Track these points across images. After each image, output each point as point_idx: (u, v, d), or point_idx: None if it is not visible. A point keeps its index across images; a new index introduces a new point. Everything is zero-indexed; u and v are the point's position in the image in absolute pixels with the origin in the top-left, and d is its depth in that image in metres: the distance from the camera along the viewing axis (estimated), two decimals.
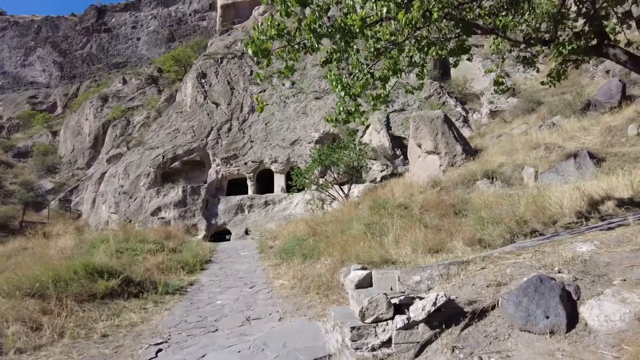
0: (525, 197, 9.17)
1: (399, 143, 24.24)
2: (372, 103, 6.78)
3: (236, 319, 6.50)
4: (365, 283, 6.26)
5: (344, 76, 6.54)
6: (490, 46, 7.27)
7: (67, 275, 6.80)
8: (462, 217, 9.79)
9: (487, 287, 4.00)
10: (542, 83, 7.44)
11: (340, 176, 20.50)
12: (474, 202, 10.22)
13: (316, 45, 5.60)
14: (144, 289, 7.85)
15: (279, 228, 17.01)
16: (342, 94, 6.31)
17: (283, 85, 27.22)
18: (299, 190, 21.05)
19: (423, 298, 4.00)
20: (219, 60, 27.67)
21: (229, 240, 22.77)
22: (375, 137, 23.76)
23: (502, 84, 7.02)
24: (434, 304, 3.71)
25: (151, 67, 35.38)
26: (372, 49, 5.50)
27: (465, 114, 26.33)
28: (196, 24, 42.70)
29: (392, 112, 26.30)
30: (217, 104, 25.94)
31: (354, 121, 6.64)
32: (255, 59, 5.24)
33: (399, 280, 4.74)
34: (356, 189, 21.58)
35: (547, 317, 3.33)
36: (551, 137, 14.49)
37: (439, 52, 5.91)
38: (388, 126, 25.13)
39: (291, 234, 12.97)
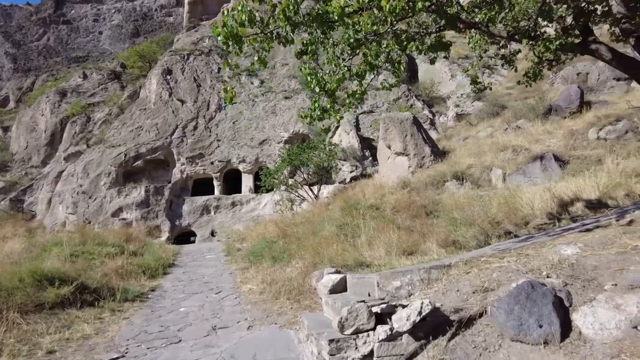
0: (497, 198, 9.12)
1: (368, 144, 24.16)
2: (347, 100, 6.48)
3: (201, 328, 6.03)
4: (339, 287, 5.94)
5: (319, 71, 6.20)
6: (469, 43, 7.11)
7: (11, 283, 6.12)
8: (433, 218, 9.65)
9: (474, 293, 3.75)
10: (519, 83, 7.35)
11: (310, 177, 20.17)
12: (445, 203, 10.12)
13: (291, 35, 5.23)
14: (100, 297, 7.23)
15: (247, 229, 16.48)
16: (317, 89, 5.97)
17: (252, 83, 26.65)
18: (267, 191, 20.59)
19: (406, 306, 3.71)
20: (186, 57, 26.79)
21: (193, 242, 22.00)
22: (345, 138, 23.58)
23: (478, 82, 6.86)
24: (419, 313, 3.42)
25: (114, 62, 33.89)
26: (352, 40, 5.18)
27: (432, 117, 26.57)
28: (162, 20, 41.35)
29: (361, 113, 26.20)
30: (182, 101, 25.08)
31: (329, 119, 6.31)
32: (224, 47, 4.81)
33: (377, 286, 4.44)
34: (326, 190, 21.31)
35: (541, 326, 3.10)
36: (517, 140, 14.67)
37: (419, 47, 5.67)
38: (357, 127, 25.02)
39: (260, 236, 12.52)
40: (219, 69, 26.96)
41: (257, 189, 22.64)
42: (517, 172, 12.29)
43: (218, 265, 11.65)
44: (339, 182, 22.07)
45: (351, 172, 22.22)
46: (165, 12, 40.89)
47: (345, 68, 5.73)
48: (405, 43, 5.38)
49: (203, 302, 7.68)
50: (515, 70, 7.18)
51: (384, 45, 5.78)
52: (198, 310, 7.07)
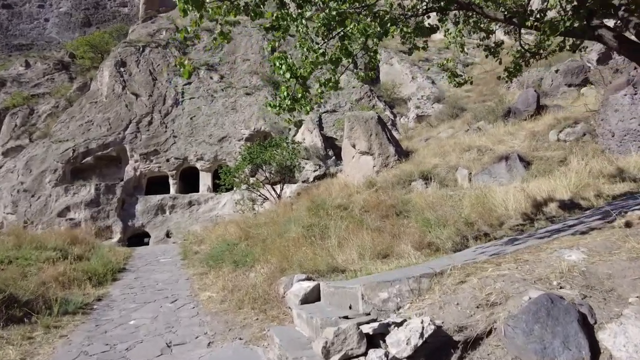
0: (468, 198, 8.78)
1: (331, 143, 23.64)
2: (318, 90, 5.83)
3: (154, 346, 5.18)
4: (312, 297, 5.28)
5: (289, 57, 5.51)
6: (449, 34, 6.63)
7: None
8: (404, 218, 9.20)
9: (478, 307, 3.20)
10: (499, 78, 6.94)
11: (272, 175, 19.36)
12: (415, 203, 9.69)
13: (261, 6, 4.53)
14: (33, 310, 6.17)
15: (205, 231, 15.48)
16: (288, 75, 5.29)
17: (211, 78, 25.48)
18: (227, 190, 19.60)
19: (400, 324, 3.11)
20: (141, 49, 25.20)
21: (147, 244, 20.64)
22: (308, 136, 22.93)
23: (458, 75, 6.40)
24: (421, 335, 2.82)
25: (62, 51, 31.44)
26: (334, 13, 4.52)
27: (393, 118, 26.45)
28: (116, 10, 39.00)
29: (324, 112, 25.66)
30: (137, 95, 23.54)
31: (300, 110, 5.65)
32: (182, 14, 4.03)
33: (362, 298, 3.81)
34: (289, 189, 20.59)
35: (569, 349, 2.58)
36: (481, 141, 14.59)
37: (404, 29, 5.10)
38: (320, 126, 24.44)
39: (220, 238, 11.63)
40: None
41: (215, 188, 21.57)
42: (482, 172, 12.12)
43: (174, 270, 10.66)
44: (302, 182, 21.40)
45: (314, 171, 21.61)
46: (120, 1, 38.57)
47: (320, 51, 5.07)
48: (388, 25, 4.80)
49: (156, 312, 6.78)
50: (500, 63, 6.76)
51: (362, 27, 5.18)
52: (151, 323, 6.18)
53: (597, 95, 12.90)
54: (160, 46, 25.69)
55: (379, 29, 4.76)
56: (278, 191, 19.09)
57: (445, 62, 7.45)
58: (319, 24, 4.98)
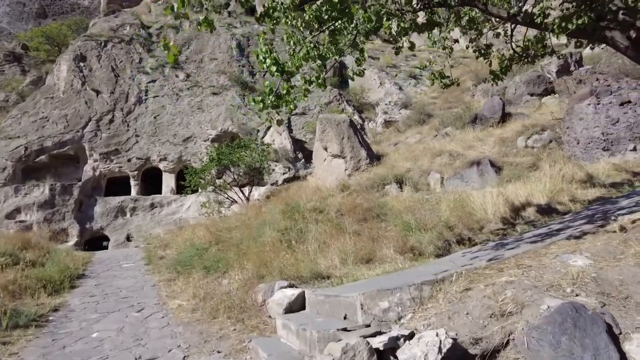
0: (446, 201, 8.68)
1: (300, 146, 23.32)
2: (303, 87, 5.53)
3: None
4: (296, 305, 4.94)
5: (274, 50, 5.16)
6: (429, 37, 6.49)
7: None
8: (381, 222, 8.99)
9: (491, 317, 2.97)
10: (485, 81, 6.83)
11: (240, 177, 18.80)
12: (392, 206, 9.52)
13: None
14: None
15: (169, 234, 14.74)
16: (274, 69, 4.95)
17: (176, 77, 24.58)
18: (192, 192, 18.84)
19: (410, 337, 2.83)
20: (103, 44, 23.95)
21: (106, 248, 19.53)
22: (277, 138, 22.52)
23: (445, 77, 6.26)
24: (439, 349, 2.55)
25: (13, 42, 29.44)
26: (336, 1, 4.21)
27: (362, 122, 26.47)
28: (75, 2, 37.09)
29: (293, 115, 25.30)
30: (98, 92, 22.33)
31: (284, 107, 5.32)
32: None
33: (361, 308, 3.51)
34: (257, 192, 20.07)
35: None
36: (451, 146, 14.73)
37: (401, 24, 4.87)
38: (289, 129, 24.09)
39: (187, 242, 11.02)
40: (141, 59, 24.50)
41: (179, 189, 20.74)
42: (454, 176, 12.17)
43: (138, 276, 9.97)
44: (271, 184, 20.94)
45: (283, 173, 21.20)
46: None
47: (311, 45, 4.76)
48: (385, 19, 4.55)
49: (122, 323, 6.20)
50: (490, 64, 6.66)
51: (355, 23, 4.92)
52: (116, 336, 5.61)
53: (561, 104, 13.29)
54: (124, 42, 24.55)
55: (373, 21, 4.49)
56: (246, 193, 18.56)
57: (428, 63, 7.31)
58: (311, 16, 4.67)
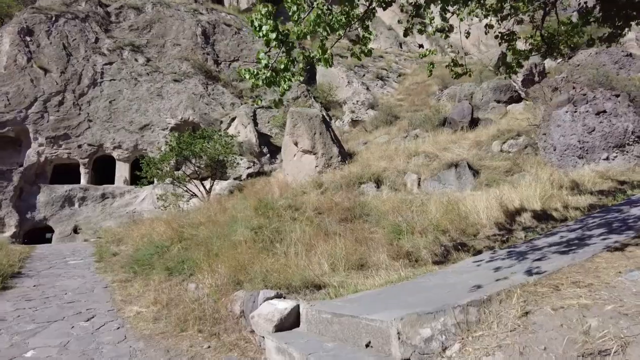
0: (434, 203, 8.08)
1: (266, 140, 22.28)
2: (318, 52, 4.67)
3: None
4: (289, 322, 4.07)
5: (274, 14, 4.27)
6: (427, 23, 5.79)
7: None
8: (364, 223, 8.28)
9: (583, 357, 2.26)
10: (498, 73, 6.19)
11: (201, 170, 17.53)
12: (374, 206, 8.83)
13: None
14: None
15: (125, 228, 13.32)
16: (273, 36, 4.07)
17: (136, 60, 22.78)
18: (148, 183, 17.36)
19: None
20: (54, 18, 21.71)
21: (50, 240, 17.64)
22: (242, 131, 21.36)
23: (459, 65, 5.59)
24: None
25: None
26: None
27: (329, 120, 25.78)
28: None
29: (259, 108, 24.21)
30: (46, 70, 20.17)
31: (278, 86, 4.45)
32: None
33: (398, 337, 2.71)
34: (219, 186, 18.85)
35: None
36: (425, 147, 14.30)
37: None
38: (255, 122, 22.96)
39: (145, 238, 9.78)
40: (97, 39, 22.48)
41: (134, 180, 19.13)
42: (432, 178, 11.70)
43: (87, 275, 8.64)
44: (234, 178, 19.77)
45: (248, 168, 20.09)
46: None
47: (325, 7, 3.92)
48: None
49: (66, 337, 5.05)
50: (512, 52, 6.02)
51: None
52: (58, 355, 4.48)
53: (535, 111, 13.17)
54: (78, 18, 22.42)
55: None
56: (207, 187, 17.33)
57: (427, 52, 6.63)
58: None
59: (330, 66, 4.49)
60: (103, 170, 21.33)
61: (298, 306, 4.16)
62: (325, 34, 4.41)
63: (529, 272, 3.54)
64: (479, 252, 5.75)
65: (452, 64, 5.54)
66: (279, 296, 4.59)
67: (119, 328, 5.39)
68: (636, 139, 10.98)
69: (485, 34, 5.59)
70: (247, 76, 4.12)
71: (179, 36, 24.75)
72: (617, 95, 11.45)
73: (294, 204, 9.56)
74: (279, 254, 6.14)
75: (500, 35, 5.72)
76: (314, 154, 14.91)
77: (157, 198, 18.19)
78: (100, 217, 19.41)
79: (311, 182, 12.45)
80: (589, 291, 2.84)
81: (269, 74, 4.28)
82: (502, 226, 6.88)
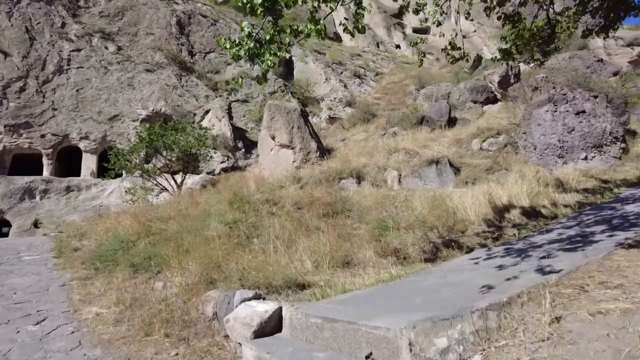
0: (419, 199, 7.70)
1: (241, 135, 21.54)
2: (308, 26, 4.16)
3: None
4: (270, 326, 3.54)
5: None
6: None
7: None
8: (346, 218, 7.82)
9: None
10: (495, 60, 5.79)
11: (172, 163, 16.68)
12: (356, 202, 8.38)
13: None
14: None
15: (88, 222, 12.41)
16: (258, 1, 3.53)
17: (106, 48, 21.60)
18: (116, 176, 16.39)
19: None
20: None
21: (6, 235, 16.41)
22: (217, 124, 20.56)
23: (457, 48, 5.16)
24: None
25: None
26: None
27: (307, 115, 25.25)
28: None
29: (234, 101, 23.44)
30: (6, 54, 18.79)
31: (262, 59, 3.91)
32: None
33: (410, 348, 2.24)
34: (191, 180, 18.04)
35: None
36: (405, 144, 14.02)
37: None
38: (230, 115, 22.17)
39: (110, 232, 9.00)
40: (64, 23, 21.18)
41: (101, 173, 18.07)
42: (412, 174, 11.38)
43: (43, 272, 7.81)
44: (207, 173, 18.97)
45: (222, 162, 19.32)
46: None
47: None
48: None
49: (9, 343, 4.34)
50: (516, 35, 5.61)
51: None
52: None
53: (515, 110, 13.05)
54: (43, 1, 21.05)
55: None
56: (178, 181, 16.50)
57: (418, 41, 6.20)
58: None
59: (323, 39, 3.97)
60: (69, 161, 20.11)
61: (280, 308, 3.63)
62: (316, 4, 3.91)
63: (541, 271, 3.14)
64: (471, 249, 5.37)
65: (449, 47, 5.11)
66: (257, 297, 4.05)
67: (73, 332, 4.72)
68: (613, 140, 10.97)
69: (487, 16, 5.17)
70: (228, 45, 3.57)
71: (152, 25, 23.66)
72: (596, 97, 11.42)
73: (271, 199, 9.00)
74: (256, 250, 5.59)
75: (504, 15, 5.33)
76: (292, 148, 14.36)
77: (126, 191, 17.24)
78: (64, 210, 18.24)
79: (289, 176, 11.92)
80: (622, 293, 2.44)
81: (252, 45, 3.74)
82: (491, 223, 6.55)
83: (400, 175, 11.53)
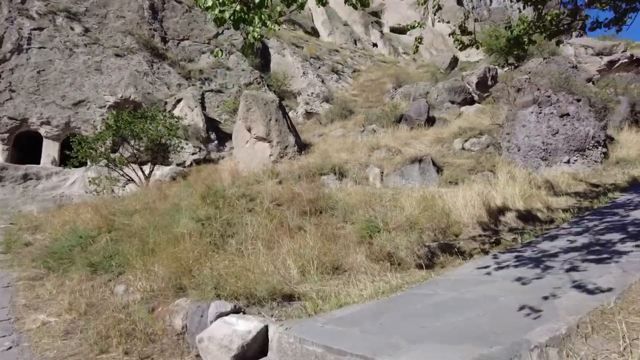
0: (408, 198, 7.18)
1: (214, 126, 20.55)
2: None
3: None
4: (252, 350, 2.88)
5: None
6: None
7: None
8: (330, 217, 7.21)
9: None
10: (505, 49, 5.25)
11: (141, 153, 15.61)
12: (341, 199, 7.78)
13: None
14: None
15: (44, 213, 11.31)
16: None
17: (72, 29, 20.12)
18: (80, 164, 15.20)
19: None
20: None
21: None
22: (189, 114, 19.50)
23: (467, 32, 4.60)
24: None
25: None
26: None
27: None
28: None
29: (208, 91, 22.39)
30: None
31: (250, 26, 3.24)
32: None
33: None
34: (160, 171, 16.99)
35: None
36: (386, 141, 13.58)
37: None
38: (203, 106, 21.13)
39: (68, 225, 8.04)
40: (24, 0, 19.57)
41: (63, 161, 16.76)
42: (395, 172, 10.93)
43: None
44: (177, 164, 17.94)
45: (193, 154, 18.32)
46: None
47: None
48: None
49: None
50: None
51: None
52: None
53: (500, 111, 12.80)
54: None
55: None
56: (147, 172, 15.46)
57: (416, 24, 5.62)
58: None
59: (324, 5, 3.33)
60: (28, 148, 18.59)
61: (266, 327, 2.98)
62: None
63: (583, 289, 2.63)
64: (470, 254, 4.88)
65: (458, 32, 4.55)
66: (236, 311, 3.38)
67: (10, 348, 3.91)
68: (595, 144, 10.83)
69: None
70: (210, 3, 2.87)
71: (123, 8, 22.26)
72: (579, 100, 11.26)
73: (248, 194, 8.29)
74: (233, 252, 4.89)
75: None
76: (269, 141, 13.63)
77: (90, 181, 16.00)
78: (20, 200, 16.80)
79: (266, 171, 11.20)
80: None
81: (238, 8, 3.06)
82: (486, 226, 6.10)
83: (383, 172, 11.05)
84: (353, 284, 4.04)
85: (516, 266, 3.70)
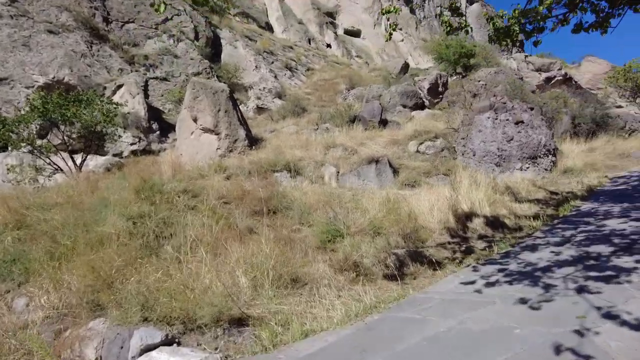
0: (369, 199, 6.57)
1: (157, 116, 18.95)
2: None
3: None
4: None
5: None
6: None
7: None
8: (284, 218, 6.43)
9: None
10: (492, 40, 4.71)
11: (72, 140, 13.88)
12: (297, 198, 7.02)
13: None
14: None
15: None
16: None
17: None
18: (1, 150, 13.25)
19: None
20: None
21: None
22: (130, 101, 17.78)
23: (459, 13, 4.01)
24: None
25: None
26: None
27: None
28: None
29: (153, 78, 20.71)
30: None
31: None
32: None
33: None
34: (93, 162, 15.25)
35: None
36: (342, 139, 13.04)
37: None
38: (146, 94, 19.46)
39: None
40: None
41: None
42: (351, 172, 10.39)
43: None
44: (114, 155, 16.24)
45: (132, 144, 16.68)
46: None
47: None
48: None
49: None
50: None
51: None
52: None
53: (455, 115, 12.65)
54: None
55: None
56: (78, 162, 13.77)
57: (392, 9, 5.00)
58: None
59: None
60: None
61: None
62: None
63: (616, 319, 2.08)
64: (440, 264, 4.31)
65: (446, 13, 3.96)
66: (169, 342, 2.52)
67: None
68: (546, 152, 10.90)
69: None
70: None
71: None
72: (532, 108, 11.32)
73: (191, 189, 7.28)
74: (169, 259, 3.97)
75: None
76: (217, 134, 12.57)
77: (8, 169, 14.01)
78: None
79: (212, 165, 10.20)
80: None
81: None
82: (455, 232, 5.61)
83: (339, 172, 10.45)
84: (317, 302, 3.30)
85: (509, 282, 3.16)
